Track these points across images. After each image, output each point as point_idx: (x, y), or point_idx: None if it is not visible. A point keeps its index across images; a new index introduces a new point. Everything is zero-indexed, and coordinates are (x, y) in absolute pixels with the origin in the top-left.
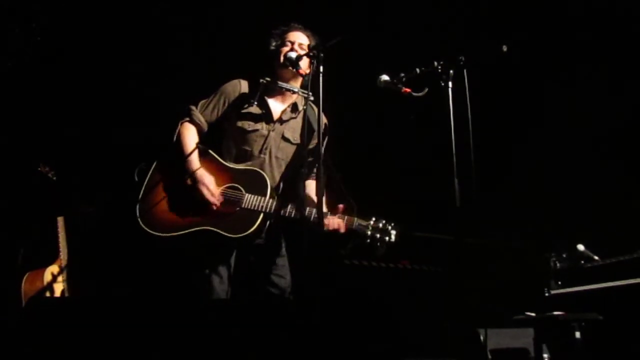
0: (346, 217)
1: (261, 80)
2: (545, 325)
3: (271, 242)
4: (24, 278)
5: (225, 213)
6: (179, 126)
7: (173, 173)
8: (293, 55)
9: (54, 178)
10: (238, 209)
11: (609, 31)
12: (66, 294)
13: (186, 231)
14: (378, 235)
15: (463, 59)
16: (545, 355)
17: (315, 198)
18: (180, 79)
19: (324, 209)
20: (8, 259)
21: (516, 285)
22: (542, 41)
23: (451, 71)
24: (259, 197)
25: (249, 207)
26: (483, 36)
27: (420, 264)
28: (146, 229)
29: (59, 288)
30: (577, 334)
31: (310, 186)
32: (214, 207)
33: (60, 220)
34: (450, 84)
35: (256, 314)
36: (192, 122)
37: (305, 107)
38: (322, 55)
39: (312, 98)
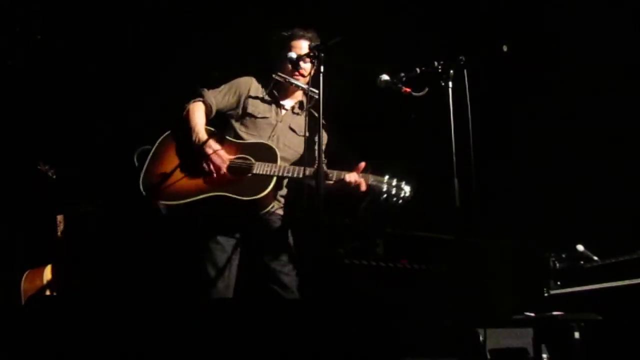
0: (363, 175)
1: (273, 76)
2: (544, 326)
3: (277, 238)
4: (24, 276)
5: (236, 180)
6: (190, 104)
7: (180, 145)
8: (293, 55)
9: (54, 176)
10: (249, 174)
11: (608, 30)
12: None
13: (195, 198)
14: (393, 191)
15: (463, 59)
16: (544, 356)
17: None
18: (179, 78)
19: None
20: (8, 257)
21: (516, 285)
22: (542, 40)
23: (451, 71)
24: (270, 164)
25: (261, 172)
26: (483, 36)
27: (420, 264)
28: (149, 195)
29: None
30: (576, 334)
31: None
32: (222, 172)
33: (59, 219)
34: (450, 83)
35: (257, 313)
36: (204, 102)
37: (310, 105)
38: (322, 55)
39: (317, 96)
